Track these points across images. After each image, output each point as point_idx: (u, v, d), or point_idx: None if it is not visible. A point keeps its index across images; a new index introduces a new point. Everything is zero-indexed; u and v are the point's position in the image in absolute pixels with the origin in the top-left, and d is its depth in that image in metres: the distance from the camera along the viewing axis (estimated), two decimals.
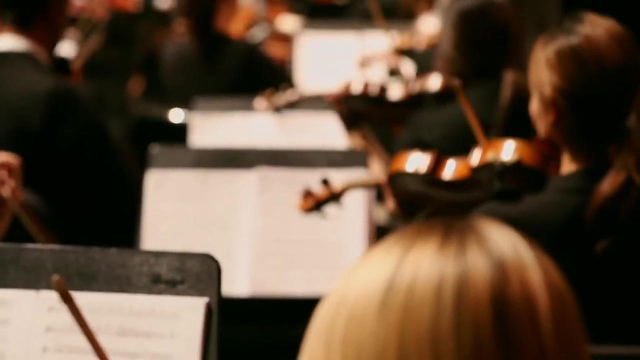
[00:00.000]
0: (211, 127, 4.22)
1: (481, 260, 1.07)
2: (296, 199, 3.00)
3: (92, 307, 1.98)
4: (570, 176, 2.43)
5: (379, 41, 5.05)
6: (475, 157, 2.58)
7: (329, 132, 4.05)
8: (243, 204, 3.20)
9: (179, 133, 4.35)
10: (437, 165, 2.66)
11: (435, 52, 3.67)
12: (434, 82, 3.64)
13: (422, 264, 1.08)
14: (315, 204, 2.97)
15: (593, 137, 2.44)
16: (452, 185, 2.63)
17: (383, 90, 3.75)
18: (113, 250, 2.01)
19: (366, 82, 3.79)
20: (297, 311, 3.31)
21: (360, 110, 3.80)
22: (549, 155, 2.46)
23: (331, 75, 5.28)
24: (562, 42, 2.45)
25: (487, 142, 2.57)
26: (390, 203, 2.78)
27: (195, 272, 2.00)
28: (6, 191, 2.59)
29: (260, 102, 4.03)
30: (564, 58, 2.42)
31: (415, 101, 3.64)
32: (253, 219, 3.16)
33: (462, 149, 2.95)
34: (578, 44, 2.43)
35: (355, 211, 3.11)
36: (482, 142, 2.61)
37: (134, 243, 3.28)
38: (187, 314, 1.98)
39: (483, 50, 3.47)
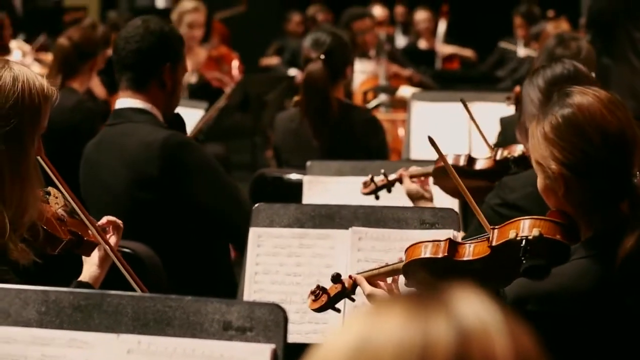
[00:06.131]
0: (322, 188, 4.28)
1: (444, 330, 1.09)
2: (387, 256, 2.99)
3: (166, 351, 2.03)
4: (589, 242, 2.38)
5: (484, 110, 5.08)
6: (495, 236, 2.49)
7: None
8: (337, 259, 3.22)
9: (298, 192, 4.40)
10: (453, 249, 2.57)
11: (521, 113, 3.65)
12: (516, 149, 3.66)
13: (390, 332, 1.10)
14: (327, 301, 2.86)
15: (604, 200, 2.39)
16: (470, 265, 2.53)
17: (472, 160, 3.78)
18: (188, 298, 2.06)
19: (456, 155, 3.82)
20: None
21: (450, 185, 3.82)
22: (566, 225, 2.39)
23: (440, 141, 5.29)
24: (556, 116, 2.40)
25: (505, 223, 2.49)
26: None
27: (264, 320, 2.04)
28: (109, 245, 2.85)
29: (361, 187, 4.07)
30: (561, 131, 2.38)
31: (500, 169, 3.64)
32: (346, 273, 3.17)
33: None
34: (572, 114, 2.38)
35: None
36: (486, 226, 2.57)
37: (236, 294, 3.34)
38: (255, 359, 2.02)
39: None
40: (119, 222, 3.05)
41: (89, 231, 2.94)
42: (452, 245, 2.57)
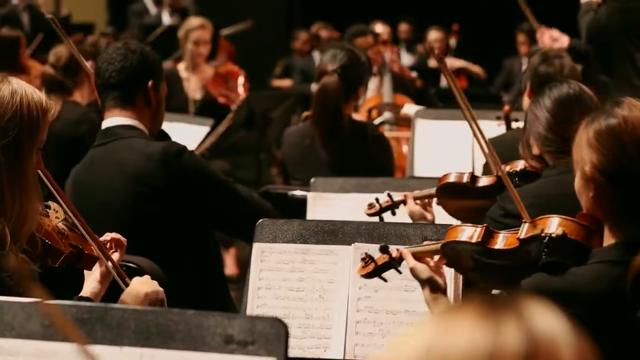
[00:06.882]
0: (326, 204, 4.30)
1: (515, 336, 1.11)
2: (389, 272, 3.02)
3: None
4: (611, 248, 2.46)
5: (486, 129, 5.09)
6: (524, 230, 2.63)
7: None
8: (340, 275, 3.24)
9: (303, 208, 4.42)
10: (488, 236, 2.72)
11: (525, 131, 3.67)
12: (518, 164, 3.70)
13: (460, 334, 1.12)
14: (375, 268, 3.01)
15: (631, 211, 2.46)
16: (501, 254, 2.68)
17: (475, 178, 3.81)
18: (190, 312, 2.07)
19: (459, 173, 3.86)
20: None
21: (453, 204, 3.86)
22: (592, 229, 2.51)
23: (443, 159, 5.31)
24: (601, 123, 2.49)
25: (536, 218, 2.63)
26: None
27: (265, 334, 2.05)
28: (110, 259, 2.87)
29: (366, 208, 4.09)
30: (603, 138, 2.47)
31: (502, 185, 3.65)
32: (349, 289, 3.20)
33: None
34: (616, 124, 2.47)
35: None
36: (525, 216, 2.69)
37: (239, 308, 3.35)
38: None
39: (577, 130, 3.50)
40: (123, 239, 3.08)
41: (90, 245, 2.96)
42: (488, 232, 2.73)
